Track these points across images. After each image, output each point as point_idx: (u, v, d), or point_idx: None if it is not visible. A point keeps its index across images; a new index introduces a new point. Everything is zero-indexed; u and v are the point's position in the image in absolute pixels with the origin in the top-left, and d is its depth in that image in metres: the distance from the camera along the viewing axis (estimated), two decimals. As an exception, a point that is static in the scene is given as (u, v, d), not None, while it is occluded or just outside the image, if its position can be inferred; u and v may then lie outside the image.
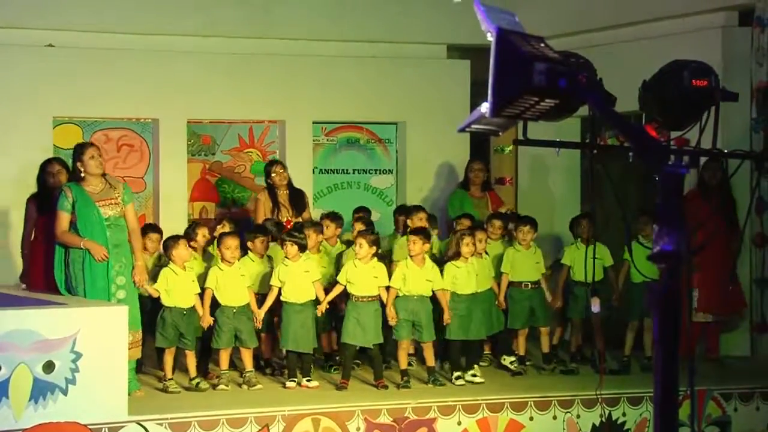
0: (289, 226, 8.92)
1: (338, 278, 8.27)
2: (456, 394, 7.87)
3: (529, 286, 8.87)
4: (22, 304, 7.24)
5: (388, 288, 8.26)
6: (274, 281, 8.21)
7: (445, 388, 8.13)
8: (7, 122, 10.09)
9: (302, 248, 8.23)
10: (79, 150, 7.81)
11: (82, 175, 7.69)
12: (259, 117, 11.14)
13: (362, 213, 9.62)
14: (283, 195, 9.40)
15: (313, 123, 11.26)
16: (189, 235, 8.55)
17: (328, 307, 8.28)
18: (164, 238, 8.60)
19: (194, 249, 8.49)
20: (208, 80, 10.70)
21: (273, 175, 9.42)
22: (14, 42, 10.22)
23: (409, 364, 8.46)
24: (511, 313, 8.88)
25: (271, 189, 9.43)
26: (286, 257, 8.24)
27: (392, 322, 8.20)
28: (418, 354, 8.73)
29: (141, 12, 10.50)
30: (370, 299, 8.20)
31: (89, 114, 10.54)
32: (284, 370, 8.32)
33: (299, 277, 8.19)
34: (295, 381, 8.08)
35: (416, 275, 8.26)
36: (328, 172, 11.44)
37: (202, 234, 8.63)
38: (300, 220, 9.17)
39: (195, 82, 10.65)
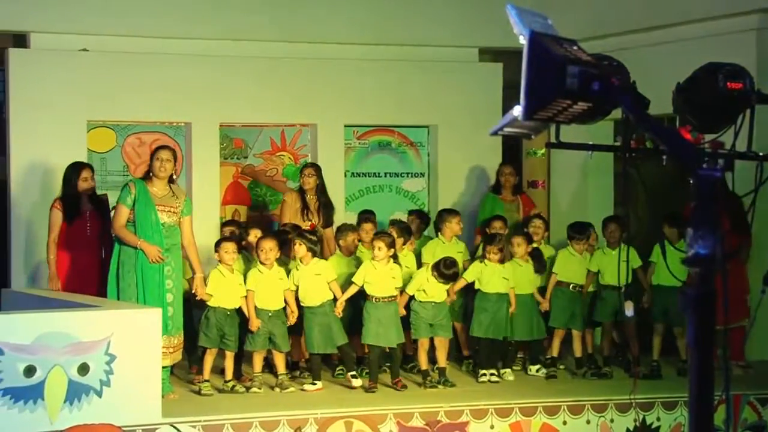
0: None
1: (354, 279, 8.31)
2: (489, 397, 7.85)
3: (577, 288, 8.91)
4: (57, 307, 7.29)
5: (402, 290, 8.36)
6: (290, 285, 8.25)
7: (478, 392, 8.12)
8: (42, 126, 10.17)
9: (313, 252, 8.27)
10: (155, 150, 7.88)
11: (151, 175, 7.75)
12: (291, 120, 11.17)
13: (368, 214, 9.61)
14: (311, 199, 9.41)
15: (345, 126, 11.27)
16: (241, 236, 8.61)
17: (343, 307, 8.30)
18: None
19: (246, 250, 8.54)
20: (241, 84, 10.75)
21: (303, 178, 9.45)
22: (49, 47, 10.32)
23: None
24: (554, 312, 8.90)
25: (302, 191, 9.45)
26: (299, 260, 8.28)
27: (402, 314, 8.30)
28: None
29: (174, 16, 10.56)
30: (389, 300, 8.24)
31: (123, 118, 10.61)
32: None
33: (311, 280, 8.22)
34: (316, 384, 8.11)
35: (434, 285, 8.32)
36: (359, 176, 11.45)
37: (254, 234, 8.65)
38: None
39: (227, 86, 10.70)
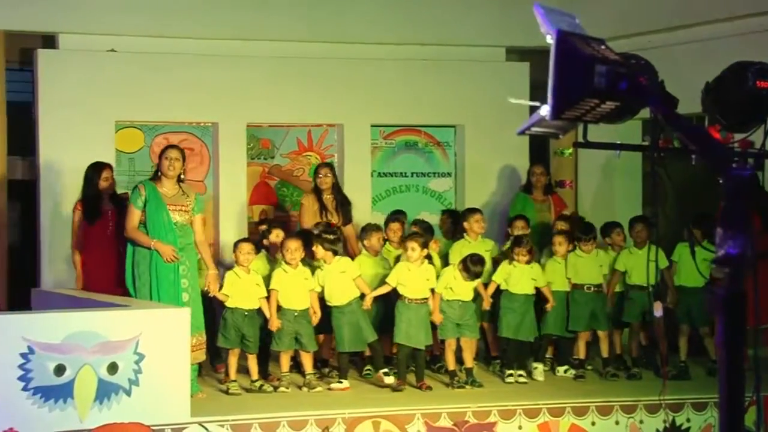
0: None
1: (388, 280, 8.31)
2: (517, 398, 7.84)
3: (592, 289, 8.86)
4: (86, 307, 7.34)
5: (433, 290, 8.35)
6: (315, 285, 8.26)
7: (506, 392, 8.11)
8: (70, 127, 10.23)
9: (334, 252, 8.27)
10: (164, 150, 7.91)
11: (160, 175, 7.77)
12: (318, 120, 11.18)
13: (398, 214, 9.60)
14: (328, 199, 9.42)
15: (372, 126, 11.28)
16: (264, 235, 8.62)
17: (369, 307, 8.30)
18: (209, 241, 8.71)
19: (266, 249, 8.55)
20: (268, 84, 10.77)
21: (318, 177, 9.45)
22: (77, 47, 10.38)
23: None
24: (573, 315, 8.86)
25: (318, 192, 9.46)
26: (323, 260, 8.29)
27: (437, 321, 8.30)
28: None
29: (201, 17, 10.60)
30: (421, 301, 8.24)
31: (150, 118, 10.66)
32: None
33: (336, 279, 8.23)
34: (344, 383, 8.12)
35: (461, 283, 8.31)
36: (386, 176, 11.44)
37: (276, 234, 8.66)
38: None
39: (254, 86, 10.73)
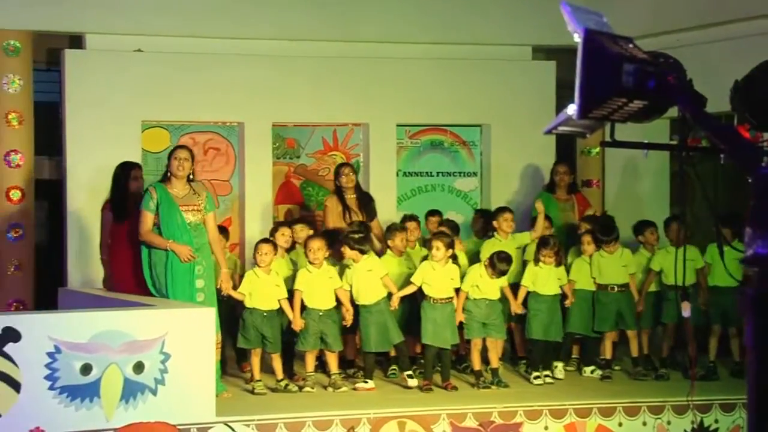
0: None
1: (413, 279, 8.29)
2: (543, 398, 7.80)
3: (615, 289, 8.80)
4: (113, 306, 7.36)
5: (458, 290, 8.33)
6: (345, 285, 8.26)
7: (532, 392, 8.08)
8: (97, 126, 10.28)
9: (362, 251, 8.26)
10: (173, 151, 7.90)
11: (169, 176, 7.76)
12: (343, 120, 11.18)
13: (436, 216, 9.58)
14: (351, 199, 9.42)
15: (397, 126, 11.26)
16: (272, 234, 8.63)
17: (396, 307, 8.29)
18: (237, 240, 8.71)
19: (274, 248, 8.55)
20: (293, 84, 10.78)
21: (341, 177, 9.44)
22: (104, 47, 10.43)
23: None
24: (599, 316, 8.82)
25: (340, 192, 9.46)
26: (352, 260, 8.28)
27: (458, 321, 8.28)
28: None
29: (227, 16, 10.62)
30: (446, 301, 8.22)
31: (177, 118, 10.69)
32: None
33: (364, 277, 8.22)
34: (368, 383, 8.11)
35: (488, 282, 8.29)
36: (412, 175, 11.43)
37: (281, 233, 8.67)
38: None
39: (280, 86, 10.74)
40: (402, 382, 8.26)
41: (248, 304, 8.04)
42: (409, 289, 8.29)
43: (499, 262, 8.31)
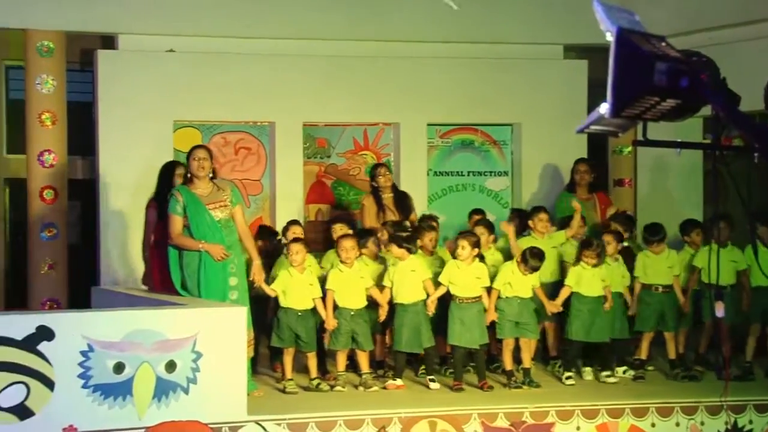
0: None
1: (440, 279, 8.27)
2: (575, 398, 7.77)
3: (660, 289, 8.75)
4: (145, 305, 7.40)
5: (489, 289, 8.27)
6: (386, 281, 8.26)
7: (564, 393, 8.04)
8: (129, 126, 10.35)
9: (409, 250, 8.25)
10: (191, 151, 7.89)
11: (189, 176, 7.77)
12: (374, 119, 11.19)
13: (479, 215, 9.55)
14: (388, 198, 9.44)
15: (428, 125, 11.26)
16: (284, 233, 8.62)
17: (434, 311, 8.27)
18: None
19: (287, 247, 8.55)
20: (324, 83, 10.80)
21: (378, 177, 9.46)
22: (136, 48, 10.49)
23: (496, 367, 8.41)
24: (641, 316, 8.77)
25: (376, 192, 9.46)
26: (396, 259, 8.27)
27: (489, 320, 8.23)
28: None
29: (258, 17, 10.66)
30: (473, 300, 8.20)
31: (208, 118, 10.75)
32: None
33: (407, 277, 8.21)
34: (398, 381, 8.11)
35: (520, 279, 8.26)
36: (442, 174, 11.42)
37: (292, 231, 8.67)
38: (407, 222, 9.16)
39: (311, 86, 10.77)
40: (426, 384, 8.23)
41: (283, 303, 8.05)
42: (441, 291, 8.27)
43: (531, 258, 8.28)
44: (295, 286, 8.06)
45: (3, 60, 10.91)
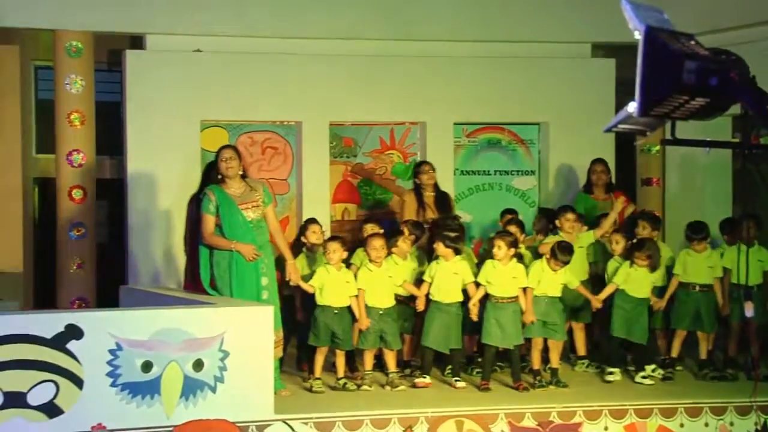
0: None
1: (478, 279, 8.26)
2: (603, 398, 7.73)
3: (697, 288, 8.69)
4: (172, 304, 7.43)
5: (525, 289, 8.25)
6: (426, 277, 8.25)
7: (591, 392, 8.00)
8: (157, 126, 10.39)
9: (456, 251, 8.24)
10: (218, 152, 7.91)
11: (220, 177, 7.79)
12: (400, 119, 11.19)
13: (511, 215, 9.52)
14: (429, 196, 9.45)
15: (454, 124, 11.25)
16: (302, 232, 8.61)
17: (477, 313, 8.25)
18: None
19: (305, 246, 8.54)
20: (350, 83, 10.81)
21: (422, 175, 9.48)
22: (163, 48, 10.54)
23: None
24: (677, 314, 8.72)
25: (418, 189, 9.47)
26: (440, 257, 8.26)
27: (529, 321, 8.18)
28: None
29: (284, 16, 10.68)
30: (509, 300, 8.17)
31: (235, 117, 10.78)
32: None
33: (448, 278, 8.20)
34: (425, 378, 8.10)
35: (549, 277, 8.23)
36: (469, 174, 11.41)
37: (312, 231, 8.66)
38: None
39: (337, 85, 10.78)
40: (452, 384, 8.22)
41: (319, 301, 8.07)
42: (481, 291, 8.23)
43: (560, 252, 8.25)
44: (332, 283, 8.06)
45: (33, 60, 10.98)
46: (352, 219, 11.00)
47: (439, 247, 8.26)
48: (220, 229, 7.69)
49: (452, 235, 8.31)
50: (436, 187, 9.55)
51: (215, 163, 8.03)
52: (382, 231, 8.76)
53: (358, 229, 9.26)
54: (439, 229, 8.55)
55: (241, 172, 7.76)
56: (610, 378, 8.40)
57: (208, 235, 7.68)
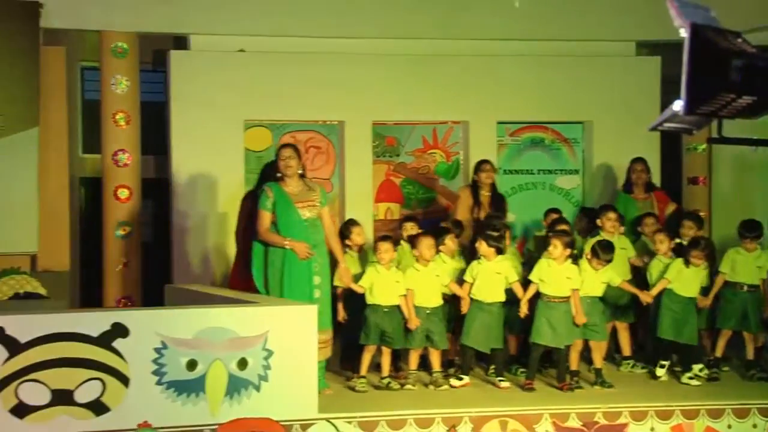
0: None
1: (530, 277, 8.22)
2: (648, 399, 7.68)
3: (744, 288, 8.61)
4: (217, 303, 7.48)
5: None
6: (468, 277, 8.23)
7: (637, 393, 7.95)
8: (201, 126, 10.46)
9: (498, 250, 8.22)
10: (278, 151, 7.97)
11: (279, 175, 7.84)
12: (443, 118, 11.17)
13: (556, 214, 9.47)
14: (485, 195, 9.45)
15: (498, 123, 11.21)
16: (343, 233, 8.62)
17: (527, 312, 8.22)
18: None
19: (349, 247, 8.54)
20: (393, 82, 10.81)
21: (481, 173, 9.50)
22: (207, 48, 10.60)
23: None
24: (723, 313, 8.63)
25: (475, 186, 9.46)
26: (482, 256, 8.24)
27: (580, 323, 8.13)
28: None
29: (327, 16, 10.70)
30: (561, 300, 8.12)
31: (278, 117, 10.82)
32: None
33: (490, 278, 8.18)
34: (464, 378, 8.08)
35: (591, 277, 8.18)
36: (512, 173, 11.36)
37: (356, 233, 8.67)
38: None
39: (380, 85, 10.78)
40: (496, 383, 8.19)
41: (369, 300, 8.08)
42: (532, 290, 8.19)
43: (602, 251, 8.20)
44: (382, 282, 8.07)
45: (79, 61, 11.08)
46: (395, 218, 11.00)
47: (482, 247, 8.24)
48: (275, 227, 7.74)
49: (495, 234, 8.28)
50: (493, 187, 9.55)
51: (274, 162, 8.08)
52: (420, 230, 8.74)
53: (398, 228, 9.26)
54: (482, 228, 8.54)
55: (300, 172, 7.81)
56: (659, 373, 8.32)
57: (264, 231, 7.73)
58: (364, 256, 8.61)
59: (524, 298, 8.15)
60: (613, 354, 9.01)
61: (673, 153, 11.16)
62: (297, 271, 7.66)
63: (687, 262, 8.41)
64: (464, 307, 8.22)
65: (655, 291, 8.44)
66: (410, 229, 8.81)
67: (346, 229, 8.70)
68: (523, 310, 8.14)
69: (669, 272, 8.44)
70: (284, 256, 7.67)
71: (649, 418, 7.44)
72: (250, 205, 8.28)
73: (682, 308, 8.40)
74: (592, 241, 8.70)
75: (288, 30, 10.66)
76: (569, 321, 8.11)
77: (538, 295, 8.15)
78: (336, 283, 8.08)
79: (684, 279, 8.41)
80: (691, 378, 8.33)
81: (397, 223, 10.02)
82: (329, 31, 10.73)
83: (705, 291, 8.71)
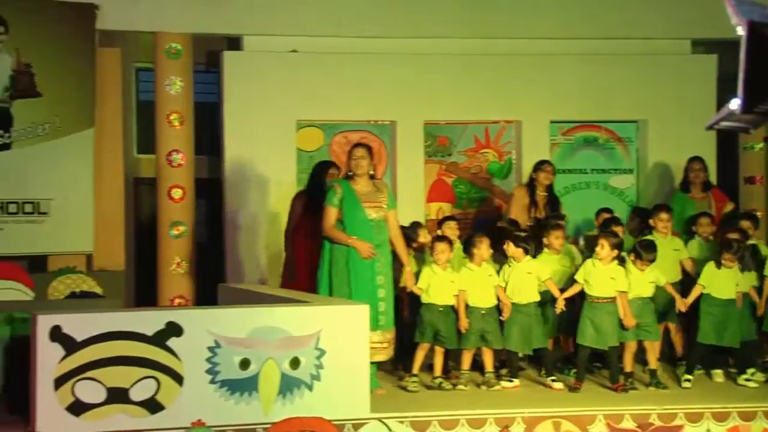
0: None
1: (576, 277, 8.18)
2: (704, 400, 7.59)
3: None
4: (270, 302, 7.51)
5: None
6: (500, 281, 8.21)
7: (692, 394, 7.87)
8: (254, 126, 10.53)
9: (525, 251, 8.19)
10: (350, 150, 8.00)
11: (350, 174, 7.87)
12: (495, 117, 11.14)
13: (607, 214, 9.40)
14: (541, 196, 9.40)
15: (551, 122, 11.15)
16: (408, 236, 8.61)
17: (564, 309, 8.17)
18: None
19: (414, 249, 8.54)
20: (445, 81, 10.80)
21: (540, 173, 9.46)
22: (260, 48, 10.67)
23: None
24: None
25: (532, 185, 9.42)
26: (511, 258, 8.22)
27: (629, 325, 8.06)
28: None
29: (379, 16, 10.72)
30: (606, 301, 8.06)
31: (330, 117, 10.86)
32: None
33: (522, 278, 8.15)
34: (514, 381, 8.05)
35: (638, 278, 8.10)
36: (565, 172, 11.30)
37: (423, 235, 8.67)
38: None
39: (432, 84, 10.78)
40: (548, 384, 8.15)
41: (424, 299, 8.09)
42: (574, 289, 8.16)
43: (644, 251, 8.13)
44: (438, 282, 8.09)
45: (133, 62, 11.21)
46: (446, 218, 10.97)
47: (509, 247, 8.21)
48: (341, 224, 7.77)
49: (522, 234, 8.27)
50: (550, 188, 9.50)
51: (324, 162, 8.10)
52: (459, 232, 8.73)
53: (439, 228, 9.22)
54: (544, 228, 8.53)
55: (370, 172, 7.84)
56: (685, 384, 8.20)
57: (329, 227, 7.76)
58: (421, 255, 8.62)
59: (561, 296, 8.10)
60: (668, 355, 8.91)
61: (730, 152, 11.03)
62: (361, 270, 7.69)
63: (718, 264, 8.29)
64: (505, 314, 8.17)
65: (690, 298, 8.33)
66: (423, 237, 8.77)
67: (413, 231, 8.71)
68: (560, 305, 8.09)
69: (702, 277, 8.32)
70: (348, 256, 7.69)
71: (705, 420, 7.36)
72: (301, 204, 8.32)
73: (721, 311, 8.26)
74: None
75: (340, 31, 10.70)
76: (613, 322, 8.04)
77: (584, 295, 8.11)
78: (402, 284, 8.10)
79: (719, 281, 8.28)
80: (747, 380, 8.23)
81: (437, 223, 9.99)
82: (381, 32, 10.75)
83: (758, 291, 8.60)
